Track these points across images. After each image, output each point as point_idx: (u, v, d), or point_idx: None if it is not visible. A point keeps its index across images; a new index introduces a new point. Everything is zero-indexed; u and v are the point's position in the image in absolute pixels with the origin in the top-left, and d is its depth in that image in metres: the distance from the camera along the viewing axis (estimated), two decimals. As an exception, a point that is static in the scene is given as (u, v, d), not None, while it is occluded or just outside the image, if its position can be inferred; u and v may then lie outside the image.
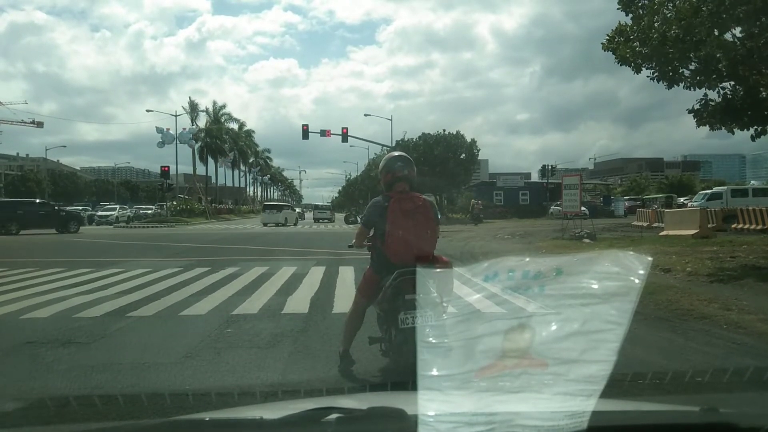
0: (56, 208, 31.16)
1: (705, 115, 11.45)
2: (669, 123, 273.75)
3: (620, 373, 3.02)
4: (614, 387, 1.57)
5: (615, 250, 1.89)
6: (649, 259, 1.82)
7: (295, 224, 40.13)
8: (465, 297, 2.43)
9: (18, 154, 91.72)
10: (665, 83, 11.44)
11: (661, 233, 16.71)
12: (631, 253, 1.84)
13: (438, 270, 3.45)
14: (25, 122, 77.04)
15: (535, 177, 71.42)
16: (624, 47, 11.46)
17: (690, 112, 11.74)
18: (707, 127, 11.75)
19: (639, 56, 11.10)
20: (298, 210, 54.88)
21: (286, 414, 1.48)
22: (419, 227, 3.94)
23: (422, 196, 4.13)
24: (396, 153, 4.38)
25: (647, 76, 11.61)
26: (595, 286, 1.79)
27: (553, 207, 42.52)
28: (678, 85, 11.38)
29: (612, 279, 1.77)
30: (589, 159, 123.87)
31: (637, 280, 1.72)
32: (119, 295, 7.97)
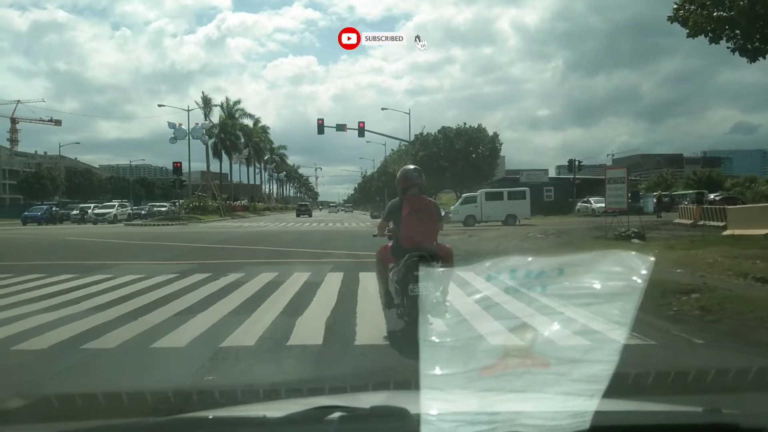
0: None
1: None
2: (691, 118, 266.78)
3: (623, 373, 2.77)
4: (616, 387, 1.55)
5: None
6: None
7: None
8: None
9: (36, 152, 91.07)
10: (748, 57, 9.63)
11: (725, 233, 14.77)
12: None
13: (439, 264, 4.90)
14: (44, 120, 76.68)
15: (552, 173, 69.30)
16: (698, 14, 9.66)
17: None
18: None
19: (719, 22, 9.29)
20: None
21: (289, 412, 1.49)
22: (424, 222, 5.23)
23: (428, 199, 5.61)
24: (410, 166, 5.68)
25: (727, 47, 9.81)
26: None
27: (579, 204, 40.60)
28: (764, 58, 9.57)
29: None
30: (607, 155, 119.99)
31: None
32: (89, 313, 6.40)
